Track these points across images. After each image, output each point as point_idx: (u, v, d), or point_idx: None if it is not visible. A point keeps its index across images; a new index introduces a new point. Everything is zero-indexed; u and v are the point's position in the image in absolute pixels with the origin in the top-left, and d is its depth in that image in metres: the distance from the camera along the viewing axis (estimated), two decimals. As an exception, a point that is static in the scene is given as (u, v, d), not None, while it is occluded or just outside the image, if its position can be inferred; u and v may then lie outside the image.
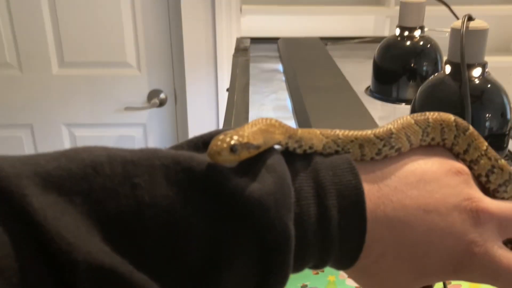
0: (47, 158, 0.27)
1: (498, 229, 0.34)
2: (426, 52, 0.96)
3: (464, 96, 0.68)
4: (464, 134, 0.36)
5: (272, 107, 1.04)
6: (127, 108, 1.73)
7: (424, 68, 0.96)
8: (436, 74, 0.77)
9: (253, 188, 0.28)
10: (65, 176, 0.26)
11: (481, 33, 0.70)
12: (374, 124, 0.78)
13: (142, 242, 0.27)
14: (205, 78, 1.68)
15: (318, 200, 0.31)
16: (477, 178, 0.37)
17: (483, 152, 0.36)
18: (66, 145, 1.77)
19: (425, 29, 0.97)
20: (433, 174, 0.34)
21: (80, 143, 1.78)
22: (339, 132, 0.35)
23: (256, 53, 1.36)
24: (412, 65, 0.96)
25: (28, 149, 1.77)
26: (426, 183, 0.34)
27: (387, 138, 0.34)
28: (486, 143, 0.37)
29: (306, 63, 1.18)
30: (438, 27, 1.02)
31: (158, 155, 0.29)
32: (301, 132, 0.34)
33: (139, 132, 1.79)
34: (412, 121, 0.35)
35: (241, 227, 0.28)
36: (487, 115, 0.71)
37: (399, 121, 0.36)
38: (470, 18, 0.71)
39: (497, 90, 0.72)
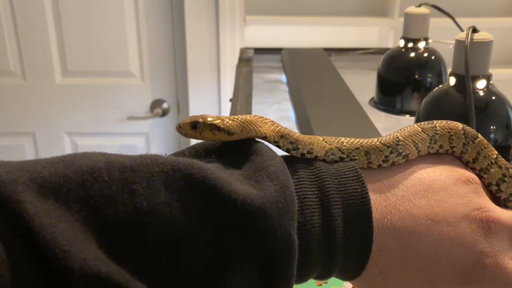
0: (44, 164, 0.27)
1: (509, 240, 0.33)
2: (431, 63, 0.96)
3: (469, 108, 0.68)
4: (473, 142, 0.36)
5: (275, 117, 1.03)
6: (130, 118, 1.73)
7: (429, 79, 0.95)
8: (440, 85, 0.77)
9: (255, 196, 0.28)
10: (61, 182, 0.26)
11: (485, 45, 0.70)
12: (378, 136, 0.77)
13: (141, 250, 0.26)
14: (208, 88, 1.68)
15: (323, 208, 0.30)
16: (487, 187, 0.36)
17: (493, 161, 0.36)
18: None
19: (430, 41, 0.97)
20: (441, 183, 0.33)
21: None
22: (344, 140, 0.34)
23: (259, 63, 1.36)
24: (416, 76, 0.95)
25: (30, 158, 1.76)
26: (434, 192, 0.33)
27: (394, 145, 0.34)
28: (496, 152, 0.36)
29: (310, 74, 1.17)
30: (442, 39, 1.01)
31: (157, 161, 0.28)
32: (299, 135, 0.34)
33: (141, 142, 1.79)
34: (419, 129, 0.35)
35: (242, 235, 0.27)
36: (492, 127, 0.70)
37: (406, 129, 0.35)
38: (474, 30, 0.70)
39: (502, 102, 0.71)
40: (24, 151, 1.77)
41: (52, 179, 0.26)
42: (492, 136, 0.70)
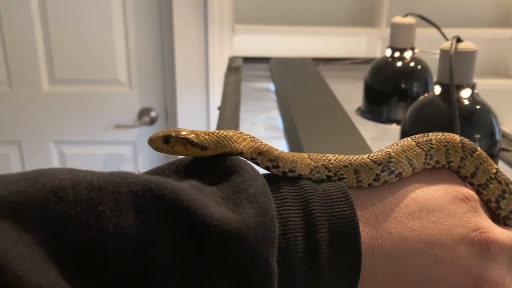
0: (5, 181, 0.25)
1: (510, 262, 0.31)
2: (417, 73, 0.97)
3: (453, 117, 0.68)
4: (472, 156, 0.34)
5: (263, 126, 1.03)
6: (118, 126, 1.72)
7: (415, 89, 0.96)
8: (425, 94, 0.78)
9: (231, 220, 0.26)
10: (22, 201, 0.24)
11: (469, 55, 0.71)
12: (365, 144, 0.78)
13: (105, 276, 0.24)
14: (196, 96, 1.68)
15: (307, 232, 0.28)
16: (486, 204, 0.34)
17: (492, 176, 0.34)
18: (55, 162, 1.75)
19: (416, 51, 0.98)
20: (437, 202, 0.31)
21: (69, 161, 1.76)
22: (331, 157, 0.32)
23: (248, 72, 1.36)
24: (403, 85, 0.96)
25: (15, 166, 1.75)
26: (429, 212, 0.31)
27: (385, 162, 0.32)
28: (495, 166, 0.34)
29: (298, 83, 1.18)
30: (428, 48, 1.03)
31: (128, 180, 0.26)
32: (281, 152, 0.32)
33: (129, 150, 1.78)
34: (414, 143, 0.33)
35: (216, 263, 0.25)
36: (476, 135, 0.71)
37: (399, 144, 0.33)
38: (459, 40, 0.71)
39: (486, 111, 0.72)
40: (10, 160, 1.75)
41: (12, 198, 0.24)
42: (476, 144, 0.71)
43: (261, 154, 0.32)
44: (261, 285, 0.26)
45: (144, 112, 1.72)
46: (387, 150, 0.33)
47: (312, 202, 0.29)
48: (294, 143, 0.80)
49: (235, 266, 0.25)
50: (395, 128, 0.95)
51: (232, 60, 1.45)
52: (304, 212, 0.29)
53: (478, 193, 0.34)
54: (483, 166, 0.34)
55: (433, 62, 0.95)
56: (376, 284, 0.30)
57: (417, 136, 0.34)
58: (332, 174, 0.32)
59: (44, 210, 0.24)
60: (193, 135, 0.30)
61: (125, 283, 0.25)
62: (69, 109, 1.70)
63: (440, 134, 0.34)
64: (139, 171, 0.29)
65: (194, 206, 0.26)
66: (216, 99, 1.65)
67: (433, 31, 1.01)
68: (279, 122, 1.00)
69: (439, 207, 0.31)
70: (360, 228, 0.29)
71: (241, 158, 0.31)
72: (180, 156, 0.32)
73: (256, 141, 0.32)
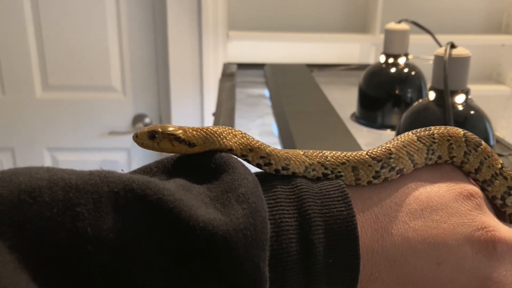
0: None
1: None
2: (411, 79, 0.97)
3: (448, 122, 0.69)
4: (476, 150, 0.32)
5: (258, 132, 1.03)
6: (112, 133, 1.72)
7: (409, 94, 0.97)
8: (420, 100, 0.78)
9: (218, 223, 0.24)
10: None
11: (463, 61, 0.71)
12: (360, 150, 0.78)
13: (82, 281, 0.23)
14: (190, 102, 1.67)
15: (302, 234, 0.27)
16: (491, 201, 0.33)
17: (497, 171, 0.32)
18: (48, 169, 1.74)
19: (410, 57, 0.98)
20: (440, 199, 0.30)
21: (63, 167, 1.75)
22: (328, 153, 0.31)
23: (242, 78, 1.36)
24: (397, 91, 0.97)
25: (9, 173, 1.74)
26: (432, 211, 0.29)
27: (385, 158, 0.30)
28: (500, 161, 0.32)
29: (292, 89, 1.18)
30: (421, 55, 1.03)
31: (108, 179, 0.25)
32: (274, 149, 0.30)
33: (123, 157, 1.77)
34: (415, 138, 0.31)
35: (203, 269, 0.24)
36: (471, 141, 0.71)
37: (399, 139, 0.31)
38: (453, 46, 0.72)
39: (480, 116, 0.73)
40: (3, 166, 1.74)
41: None
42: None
43: (252, 151, 0.30)
44: None
45: (138, 119, 1.72)
46: (387, 145, 0.31)
47: (308, 202, 0.28)
48: (289, 148, 0.80)
49: (222, 271, 0.24)
50: (389, 134, 0.95)
51: (226, 66, 1.45)
52: (299, 212, 0.27)
53: (482, 189, 0.32)
54: (487, 161, 0.32)
55: (426, 68, 0.95)
56: (376, 287, 0.28)
57: (418, 130, 0.32)
58: (329, 172, 0.30)
59: (17, 212, 0.22)
60: (180, 131, 0.29)
61: None
62: (62, 116, 1.69)
63: (442, 128, 0.32)
64: (122, 170, 0.27)
65: (178, 207, 0.24)
66: (210, 105, 1.65)
67: (427, 37, 1.02)
68: (274, 128, 1.00)
69: (442, 205, 0.30)
70: (359, 229, 0.28)
71: (232, 155, 0.30)
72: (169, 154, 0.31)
73: (247, 137, 0.31)
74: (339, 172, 0.30)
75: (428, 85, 0.76)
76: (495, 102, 1.82)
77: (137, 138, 0.30)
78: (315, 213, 0.27)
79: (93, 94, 1.68)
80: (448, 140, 0.32)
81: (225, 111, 1.04)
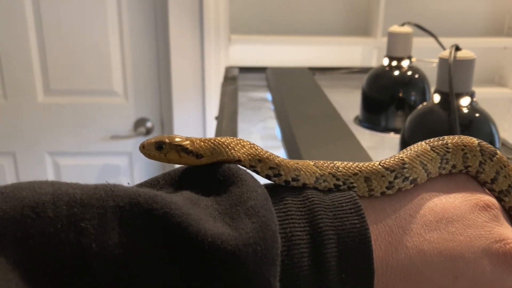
0: None
1: None
2: (414, 82, 0.97)
3: (453, 125, 0.68)
4: (491, 160, 0.31)
5: (260, 135, 1.03)
6: (113, 137, 1.71)
7: (412, 97, 0.96)
8: (424, 103, 0.78)
9: (227, 237, 0.23)
10: None
11: (468, 63, 0.71)
12: (364, 153, 0.77)
13: None
14: (192, 106, 1.67)
15: (314, 248, 0.26)
16: (507, 212, 0.32)
17: None
18: (50, 174, 1.73)
19: (413, 59, 0.98)
20: (455, 210, 0.29)
21: (64, 172, 1.75)
22: (339, 164, 0.30)
23: (244, 82, 1.36)
24: (400, 94, 0.96)
25: (10, 178, 1.73)
26: (448, 222, 0.29)
27: (398, 168, 0.30)
28: None
29: (295, 93, 1.18)
30: (424, 58, 1.03)
31: (114, 194, 0.24)
32: (283, 159, 0.30)
33: (124, 161, 1.76)
34: (428, 147, 0.31)
35: (211, 285, 0.23)
36: (477, 144, 0.71)
37: (412, 149, 0.31)
38: (457, 48, 0.71)
39: (485, 119, 0.72)
40: (4, 171, 1.73)
41: None
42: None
43: (261, 162, 0.29)
44: None
45: (140, 123, 1.72)
46: (400, 155, 0.31)
47: (319, 214, 0.27)
48: (293, 152, 0.80)
49: (232, 287, 0.23)
50: (393, 137, 0.95)
51: (228, 70, 1.45)
52: (310, 225, 0.27)
53: (499, 200, 0.32)
54: (504, 171, 0.31)
55: (430, 71, 0.95)
56: None
57: (431, 139, 0.31)
58: (341, 183, 0.29)
59: (20, 227, 0.22)
60: (187, 142, 0.29)
61: None
62: (64, 120, 1.69)
63: (456, 137, 0.32)
64: (128, 183, 0.27)
65: (186, 221, 0.24)
66: (212, 109, 1.65)
67: (429, 40, 1.02)
68: (276, 131, 1.00)
69: (458, 216, 0.29)
70: (373, 242, 0.27)
71: (241, 167, 0.29)
72: (176, 165, 0.30)
73: (256, 148, 0.30)
74: (352, 183, 0.29)
75: (432, 88, 0.76)
76: (498, 104, 1.82)
77: (144, 149, 0.29)
78: (327, 226, 0.27)
79: (94, 98, 1.68)
80: (463, 150, 0.31)
81: (228, 115, 1.03)
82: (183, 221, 0.23)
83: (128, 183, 0.27)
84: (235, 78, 1.34)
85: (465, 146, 0.31)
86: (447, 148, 0.31)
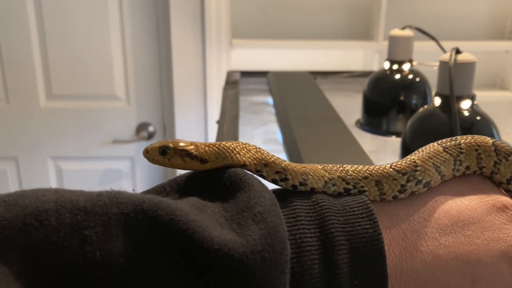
0: None
1: None
2: (415, 85, 0.97)
3: (454, 128, 0.68)
4: (507, 159, 0.30)
5: (262, 139, 1.03)
6: (115, 141, 1.72)
7: (414, 101, 0.96)
8: (425, 106, 0.78)
9: (234, 245, 0.23)
10: None
11: (469, 66, 0.71)
12: (366, 157, 0.77)
13: None
14: (194, 111, 1.67)
15: (325, 254, 0.25)
16: None
17: None
18: (52, 178, 1.73)
19: (414, 63, 0.98)
20: (471, 213, 0.28)
21: (67, 177, 1.75)
22: (349, 167, 0.29)
23: (246, 86, 1.36)
24: (402, 98, 0.96)
25: (12, 183, 1.73)
26: (463, 225, 0.28)
27: (410, 171, 0.29)
28: None
29: (296, 96, 1.18)
30: (425, 61, 1.03)
31: (118, 201, 0.24)
32: (290, 163, 0.29)
33: (126, 166, 1.77)
34: (440, 149, 0.30)
35: None
36: (478, 147, 0.70)
37: (424, 150, 0.30)
38: (458, 51, 0.71)
39: (487, 122, 0.72)
40: (6, 176, 1.74)
41: None
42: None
43: (267, 166, 0.29)
44: None
45: (142, 127, 1.72)
46: (412, 157, 0.30)
47: (330, 219, 0.26)
48: (294, 156, 0.80)
49: None
50: (394, 140, 0.95)
51: (230, 74, 1.46)
52: (321, 231, 0.26)
53: None
54: None
55: (431, 75, 0.95)
56: None
57: (444, 140, 0.31)
58: (351, 187, 0.28)
59: (23, 236, 0.22)
60: (192, 147, 0.28)
61: None
62: (66, 125, 1.69)
63: (469, 137, 0.31)
64: (133, 190, 0.26)
65: (192, 228, 0.23)
66: (214, 114, 1.65)
67: (430, 44, 1.02)
68: (278, 135, 1.00)
69: (474, 219, 0.28)
70: (386, 247, 0.26)
71: (248, 172, 0.29)
72: (182, 171, 0.30)
73: (262, 152, 0.29)
74: (362, 186, 0.29)
75: (433, 91, 0.76)
76: (500, 108, 1.81)
77: (147, 154, 0.29)
78: (338, 231, 0.26)
79: (97, 103, 1.68)
80: (476, 150, 0.30)
81: (229, 119, 1.04)
82: (189, 228, 0.23)
83: (133, 190, 0.26)
84: (237, 82, 1.34)
85: (479, 146, 0.30)
86: (460, 148, 0.30)
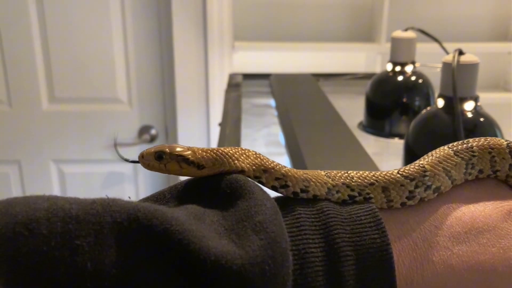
0: None
1: None
2: (418, 87, 0.96)
3: (458, 130, 0.68)
4: None
5: (264, 142, 1.03)
6: (118, 144, 1.72)
7: (416, 102, 0.96)
8: (428, 108, 0.77)
9: (232, 256, 0.22)
10: None
11: (472, 67, 0.70)
12: (369, 159, 0.77)
13: None
14: (196, 113, 1.67)
15: (330, 266, 0.24)
16: None
17: None
18: (54, 181, 1.73)
19: (417, 65, 0.98)
20: (486, 219, 0.27)
21: (69, 180, 1.75)
22: (353, 174, 0.28)
23: (248, 88, 1.36)
24: (404, 100, 0.96)
25: (15, 186, 1.74)
26: (477, 233, 0.26)
27: (419, 176, 0.27)
28: None
29: (298, 99, 1.18)
30: (428, 63, 1.03)
31: (111, 209, 0.23)
32: (290, 169, 0.28)
33: (129, 169, 1.76)
34: (451, 152, 0.28)
35: None
36: (482, 149, 0.70)
37: (433, 155, 0.29)
38: (461, 52, 0.71)
39: (490, 123, 0.72)
40: (9, 179, 1.74)
41: None
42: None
43: (266, 172, 0.27)
44: None
45: (144, 130, 1.72)
46: (420, 162, 0.28)
47: (335, 229, 0.25)
48: (297, 158, 0.79)
49: None
50: (397, 142, 0.94)
51: (232, 77, 1.45)
52: (326, 241, 0.25)
53: None
54: None
55: (434, 76, 0.95)
56: None
57: (454, 144, 0.29)
58: (356, 194, 0.27)
59: (11, 246, 0.21)
60: (189, 152, 0.27)
61: None
62: (69, 128, 1.70)
63: (482, 140, 0.29)
64: (129, 197, 0.25)
65: (187, 238, 0.22)
66: (216, 116, 1.65)
67: (433, 45, 1.01)
68: (280, 138, 0.99)
69: (489, 226, 0.27)
70: (395, 258, 0.25)
71: (249, 179, 0.27)
72: (186, 178, 0.29)
73: (261, 158, 0.28)
74: (368, 193, 0.27)
75: (436, 93, 0.76)
76: (503, 109, 1.80)
77: (143, 159, 0.28)
78: (344, 241, 0.25)
79: (99, 106, 1.68)
80: (490, 153, 0.29)
81: (231, 122, 1.03)
82: (184, 238, 0.22)
83: (129, 197, 0.25)
84: (239, 85, 1.34)
85: (492, 148, 0.29)
86: (472, 152, 0.29)
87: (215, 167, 0.27)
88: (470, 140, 0.29)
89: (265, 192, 0.26)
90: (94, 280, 0.21)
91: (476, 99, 0.71)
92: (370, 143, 0.96)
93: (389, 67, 0.97)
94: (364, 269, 0.24)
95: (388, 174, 0.28)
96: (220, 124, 1.07)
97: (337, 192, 0.27)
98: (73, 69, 1.63)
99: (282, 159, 0.86)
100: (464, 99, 0.70)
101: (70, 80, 1.65)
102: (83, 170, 1.74)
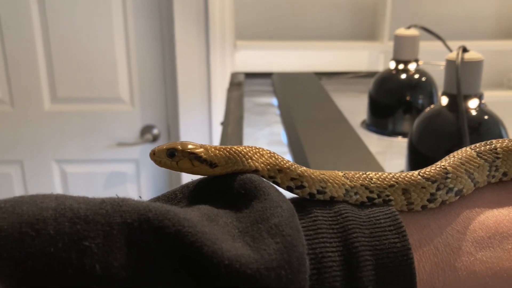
0: None
1: None
2: (421, 85, 0.96)
3: (462, 128, 0.67)
4: None
5: (267, 141, 1.02)
6: (120, 144, 1.71)
7: (420, 101, 0.95)
8: (432, 106, 0.76)
9: (247, 260, 0.21)
10: None
11: (476, 64, 0.70)
12: (372, 158, 0.76)
13: None
14: (198, 113, 1.67)
15: (348, 271, 0.23)
16: None
17: None
18: (57, 181, 1.73)
19: (420, 62, 0.97)
20: (511, 224, 0.26)
21: (71, 180, 1.75)
22: (373, 175, 0.27)
23: (250, 87, 1.36)
24: (408, 98, 0.95)
25: (17, 186, 1.74)
26: (502, 238, 0.25)
27: (440, 179, 0.26)
28: None
29: (301, 97, 1.17)
30: (431, 61, 1.02)
31: (121, 209, 0.22)
32: (307, 169, 0.27)
33: (131, 168, 1.76)
34: (474, 154, 0.27)
35: None
36: (486, 147, 0.69)
37: (456, 156, 0.28)
38: (465, 50, 0.70)
39: (495, 121, 0.71)
40: (11, 179, 1.74)
41: None
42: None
43: (281, 172, 0.26)
44: None
45: (146, 130, 1.72)
46: (442, 164, 0.27)
47: (354, 232, 0.24)
48: (299, 157, 0.79)
49: None
50: (401, 141, 0.94)
51: (234, 76, 1.45)
52: (344, 245, 0.24)
53: None
54: None
55: (437, 74, 0.94)
56: None
57: (477, 145, 0.28)
58: (375, 196, 0.26)
59: (17, 247, 0.20)
60: (201, 150, 0.26)
61: None
62: (70, 128, 1.69)
63: (506, 141, 0.28)
64: (140, 197, 0.24)
65: (200, 241, 0.21)
66: (218, 116, 1.65)
67: (436, 43, 1.01)
68: (282, 137, 0.99)
69: None
70: (416, 263, 0.24)
71: (264, 179, 0.27)
72: (190, 176, 0.28)
73: (276, 157, 0.28)
74: (387, 195, 0.26)
75: (439, 91, 0.75)
76: (507, 107, 1.79)
77: (154, 156, 0.27)
78: (363, 245, 0.24)
79: (101, 106, 1.68)
80: None
81: (233, 120, 1.03)
82: (197, 241, 0.21)
83: (140, 197, 0.24)
84: (241, 84, 1.34)
85: None
86: (496, 153, 0.28)
87: (228, 166, 0.26)
88: (494, 141, 0.29)
89: (280, 193, 0.25)
90: (102, 283, 0.20)
91: (480, 97, 0.71)
92: (373, 142, 0.96)
93: (392, 65, 0.97)
94: (384, 275, 0.23)
95: (408, 175, 0.27)
96: (222, 123, 1.07)
97: (356, 193, 0.26)
98: (75, 69, 1.63)
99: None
100: (468, 97, 0.70)
101: (72, 80, 1.64)
102: (85, 170, 1.74)
